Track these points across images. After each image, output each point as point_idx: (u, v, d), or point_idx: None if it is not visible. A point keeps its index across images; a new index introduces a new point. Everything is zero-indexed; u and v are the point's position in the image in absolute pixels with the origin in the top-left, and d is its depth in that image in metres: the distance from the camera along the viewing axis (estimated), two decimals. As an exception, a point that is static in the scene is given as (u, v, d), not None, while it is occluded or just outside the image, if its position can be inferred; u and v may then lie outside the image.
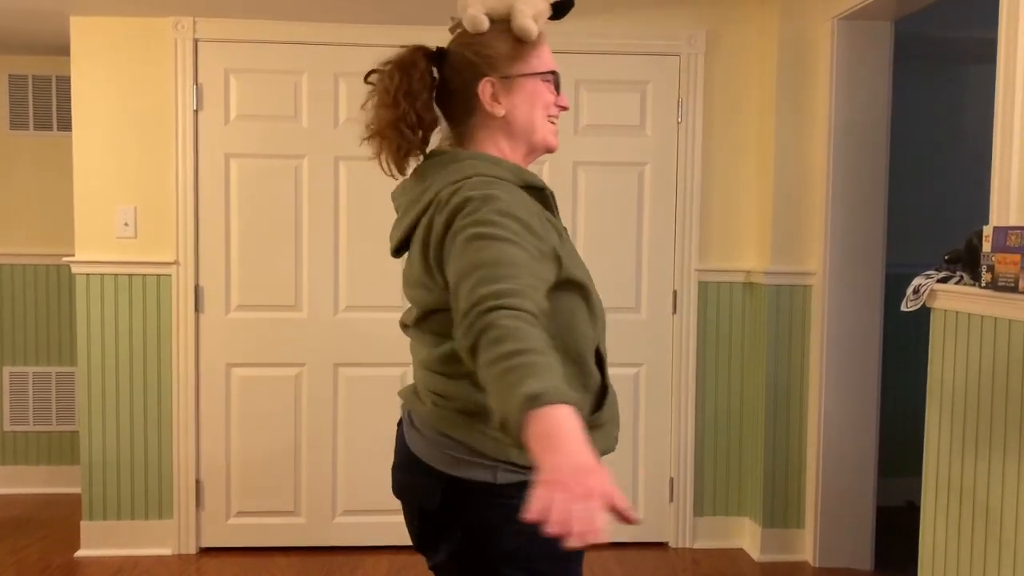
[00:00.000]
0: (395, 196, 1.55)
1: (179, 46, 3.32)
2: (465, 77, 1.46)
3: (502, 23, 1.46)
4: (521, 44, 1.47)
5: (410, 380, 1.58)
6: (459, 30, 1.51)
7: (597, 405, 1.48)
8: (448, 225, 1.31)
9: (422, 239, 1.38)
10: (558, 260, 1.37)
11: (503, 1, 1.47)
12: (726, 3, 3.45)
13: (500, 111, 1.46)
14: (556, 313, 1.37)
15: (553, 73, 1.51)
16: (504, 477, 1.39)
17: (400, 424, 1.55)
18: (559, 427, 1.04)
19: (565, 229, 1.48)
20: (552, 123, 1.52)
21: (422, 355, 1.47)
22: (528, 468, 1.38)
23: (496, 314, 1.16)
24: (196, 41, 3.33)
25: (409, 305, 1.53)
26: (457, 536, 1.42)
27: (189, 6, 3.24)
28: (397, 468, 1.54)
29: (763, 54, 3.46)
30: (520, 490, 1.38)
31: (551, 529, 0.96)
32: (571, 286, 1.41)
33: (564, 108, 1.54)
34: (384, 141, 1.45)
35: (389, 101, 1.43)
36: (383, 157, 1.46)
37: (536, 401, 1.06)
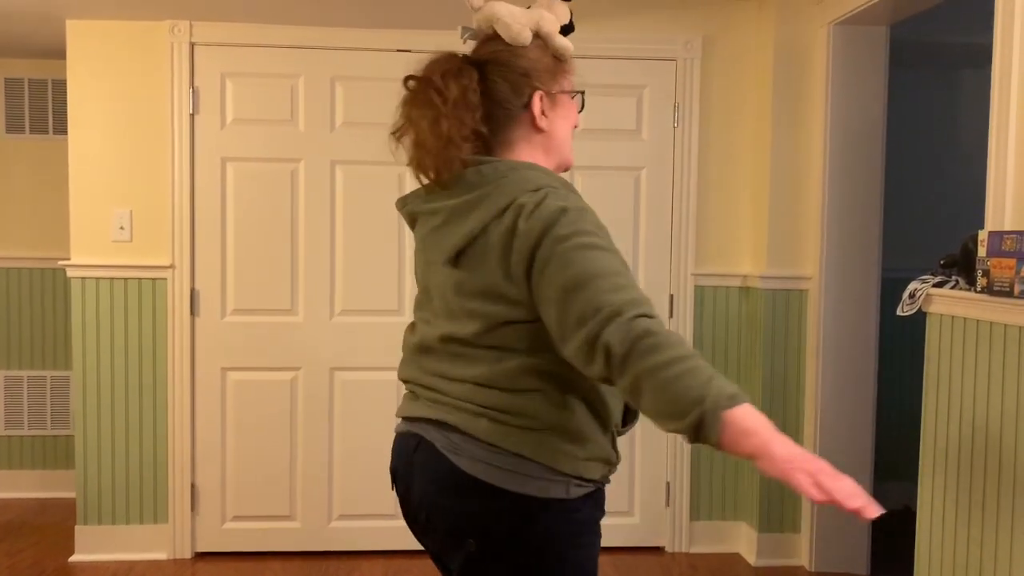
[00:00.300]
0: (413, 203, 1.50)
1: (175, 50, 3.32)
2: (515, 88, 1.45)
3: (538, 38, 1.48)
4: (559, 61, 1.50)
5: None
6: (482, 40, 1.51)
7: (635, 414, 1.49)
8: (544, 233, 1.29)
9: (502, 245, 1.33)
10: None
11: (529, 17, 1.48)
12: (722, 8, 3.46)
13: (547, 124, 1.47)
14: None
15: (582, 93, 1.55)
16: (575, 491, 1.39)
17: (416, 447, 1.45)
18: (763, 422, 1.16)
19: None
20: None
21: (475, 371, 1.38)
22: (592, 481, 1.41)
23: (646, 321, 1.22)
24: (192, 45, 3.33)
25: (430, 322, 1.47)
26: (521, 554, 1.38)
27: (186, 10, 3.24)
28: (436, 494, 1.42)
29: (759, 59, 3.46)
30: (586, 503, 1.42)
31: (849, 504, 1.09)
32: None
33: (576, 127, 1.56)
34: (433, 154, 1.39)
35: (447, 112, 1.38)
36: (424, 168, 1.42)
37: (735, 400, 1.16)
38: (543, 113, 1.46)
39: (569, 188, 1.43)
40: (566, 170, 1.54)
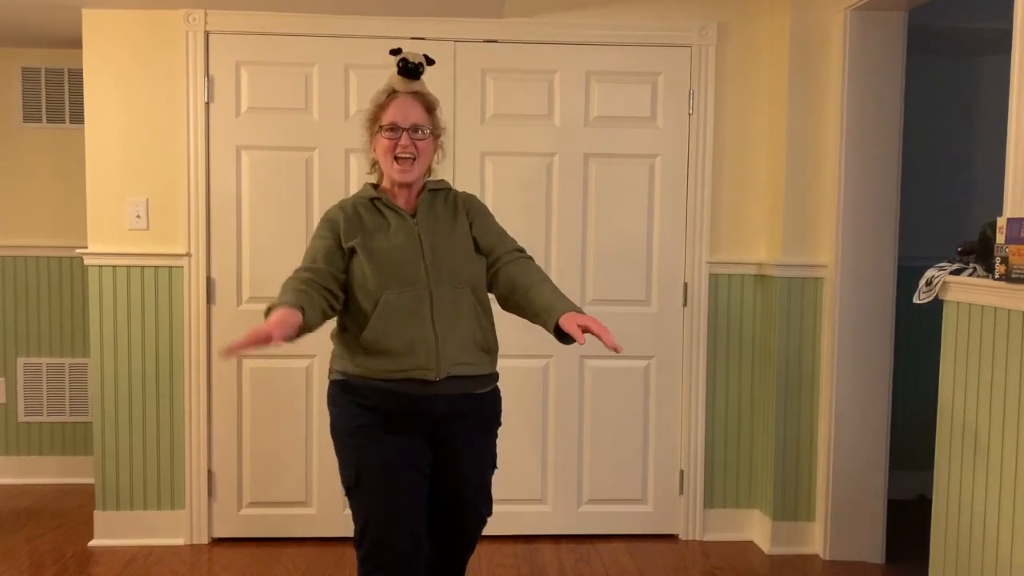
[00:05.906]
0: None
1: (190, 38, 3.33)
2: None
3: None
4: (376, 109, 2.20)
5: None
6: None
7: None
8: None
9: None
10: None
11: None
12: (738, -6, 3.44)
13: (374, 154, 2.25)
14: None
15: (384, 126, 2.17)
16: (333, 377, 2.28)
17: None
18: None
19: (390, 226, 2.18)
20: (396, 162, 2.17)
21: None
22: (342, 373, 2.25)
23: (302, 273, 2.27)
24: (207, 33, 3.34)
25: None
26: None
27: (200, -2, 3.25)
28: None
29: (775, 45, 3.44)
30: (333, 387, 2.27)
31: None
32: None
33: (394, 155, 2.16)
34: None
35: None
36: None
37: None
38: (372, 148, 2.24)
39: (341, 203, 2.24)
40: (395, 183, 2.18)
